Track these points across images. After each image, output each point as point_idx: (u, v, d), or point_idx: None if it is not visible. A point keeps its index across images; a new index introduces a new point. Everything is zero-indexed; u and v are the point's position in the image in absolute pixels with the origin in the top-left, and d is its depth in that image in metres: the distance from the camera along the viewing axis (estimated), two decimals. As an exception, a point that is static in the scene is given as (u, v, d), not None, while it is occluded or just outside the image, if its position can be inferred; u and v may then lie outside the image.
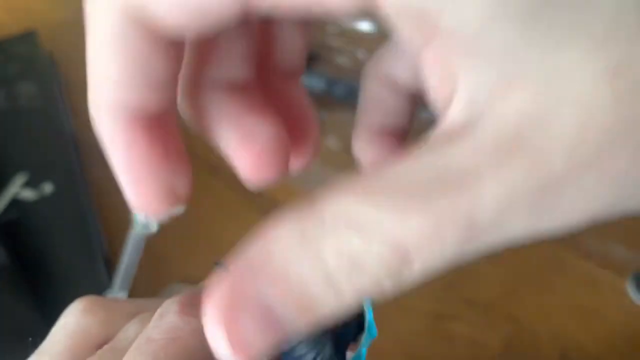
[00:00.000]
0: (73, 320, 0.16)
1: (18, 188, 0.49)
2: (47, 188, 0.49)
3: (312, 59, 0.57)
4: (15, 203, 0.48)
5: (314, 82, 0.53)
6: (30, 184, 0.49)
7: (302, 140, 0.16)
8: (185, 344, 0.14)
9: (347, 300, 0.11)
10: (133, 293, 0.43)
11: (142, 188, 0.15)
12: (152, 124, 0.14)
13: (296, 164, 0.17)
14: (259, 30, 0.15)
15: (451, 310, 0.41)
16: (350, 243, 0.11)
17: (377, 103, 0.17)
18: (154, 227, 0.31)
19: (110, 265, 0.45)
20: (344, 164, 0.43)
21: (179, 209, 0.30)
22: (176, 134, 0.15)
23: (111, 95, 0.13)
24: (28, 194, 0.49)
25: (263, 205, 0.48)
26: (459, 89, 0.11)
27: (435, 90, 0.11)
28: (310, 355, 0.16)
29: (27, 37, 0.62)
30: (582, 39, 0.10)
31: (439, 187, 0.10)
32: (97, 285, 0.43)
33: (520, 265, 0.43)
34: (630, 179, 0.10)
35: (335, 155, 0.49)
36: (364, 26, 0.60)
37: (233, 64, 0.15)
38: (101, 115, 0.14)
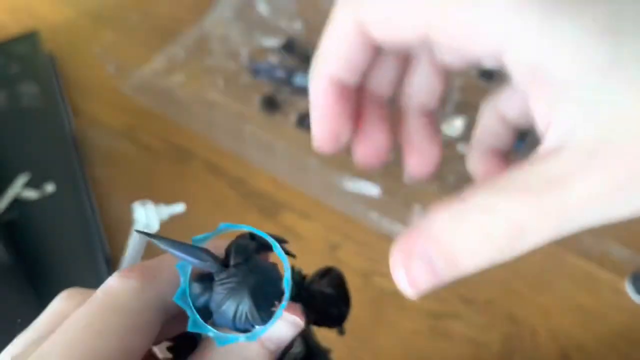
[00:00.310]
0: (55, 304, 0.19)
1: (20, 188, 0.49)
2: (49, 188, 0.49)
3: (312, 59, 0.57)
4: (16, 202, 0.48)
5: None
6: (31, 184, 0.49)
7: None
8: (119, 298, 0.18)
9: (478, 261, 0.16)
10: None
11: (322, 125, 0.21)
12: (343, 92, 0.21)
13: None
14: (405, 65, 0.22)
15: (451, 309, 0.41)
16: (484, 221, 0.16)
17: (490, 130, 0.22)
18: (155, 227, 0.31)
19: (111, 264, 0.45)
20: (343, 164, 0.43)
21: (180, 208, 0.31)
22: (354, 103, 0.21)
23: (328, 67, 0.20)
24: (30, 194, 0.49)
25: (263, 205, 0.48)
26: (555, 122, 0.15)
27: (539, 121, 0.16)
28: (230, 306, 0.18)
29: (29, 38, 0.62)
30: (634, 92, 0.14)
31: (543, 188, 0.15)
32: (98, 284, 0.43)
33: (520, 265, 0.43)
34: None
35: (335, 155, 0.49)
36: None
37: (386, 84, 0.22)
38: (317, 78, 0.21)
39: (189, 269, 0.18)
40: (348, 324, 0.41)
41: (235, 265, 0.18)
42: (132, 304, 0.18)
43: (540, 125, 0.16)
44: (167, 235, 0.46)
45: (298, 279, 0.22)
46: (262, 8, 0.62)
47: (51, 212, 0.48)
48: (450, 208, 0.17)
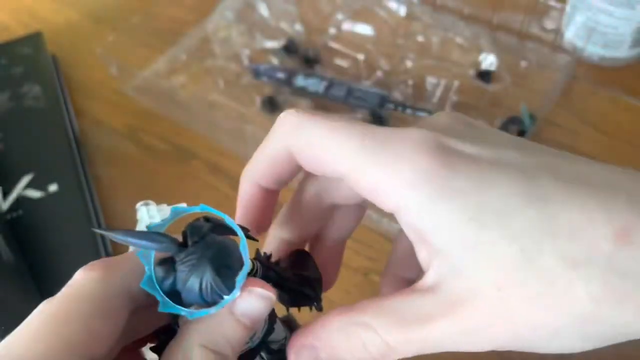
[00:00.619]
0: (75, 276, 0.20)
1: (23, 188, 0.50)
2: (52, 188, 0.49)
3: (313, 61, 0.58)
4: (20, 202, 0.49)
5: (314, 83, 0.54)
6: (35, 184, 0.50)
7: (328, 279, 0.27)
8: (82, 287, 0.19)
9: None
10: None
11: (245, 218, 0.25)
12: (265, 195, 0.25)
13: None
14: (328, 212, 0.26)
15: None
16: (365, 337, 0.20)
17: (401, 262, 0.27)
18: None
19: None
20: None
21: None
22: (274, 204, 0.25)
23: (256, 176, 0.24)
24: (33, 194, 0.49)
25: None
26: (430, 271, 0.20)
27: (421, 263, 0.21)
28: (194, 281, 0.19)
29: (32, 39, 0.62)
30: (494, 257, 0.19)
31: (412, 322, 0.20)
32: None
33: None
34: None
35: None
36: (363, 29, 0.60)
37: (315, 225, 0.26)
38: (245, 182, 0.25)
39: (152, 255, 0.19)
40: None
41: (193, 244, 0.19)
42: (95, 292, 0.19)
43: (422, 266, 0.21)
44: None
45: (265, 260, 0.23)
46: (263, 10, 0.63)
47: (54, 211, 0.48)
48: (342, 318, 0.21)
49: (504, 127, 0.50)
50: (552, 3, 0.55)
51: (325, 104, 0.54)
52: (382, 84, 0.55)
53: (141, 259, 0.19)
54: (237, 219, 0.25)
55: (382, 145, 0.20)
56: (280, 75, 0.55)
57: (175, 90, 0.56)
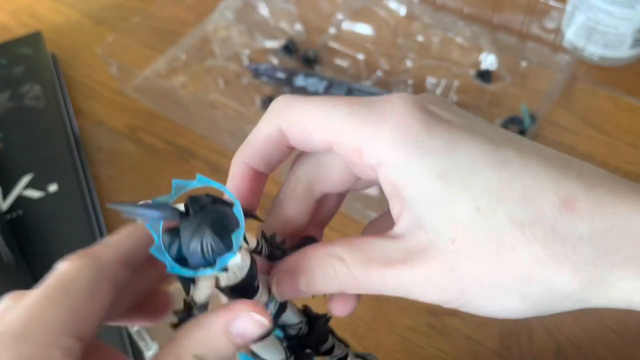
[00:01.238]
0: (59, 267, 0.21)
1: (23, 188, 0.50)
2: (52, 188, 0.49)
3: (313, 61, 0.58)
4: (20, 202, 0.49)
5: (314, 83, 0.54)
6: (35, 184, 0.50)
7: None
8: (65, 274, 0.21)
9: (329, 288, 0.23)
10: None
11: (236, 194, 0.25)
12: (255, 176, 0.25)
13: None
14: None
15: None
16: (339, 267, 0.23)
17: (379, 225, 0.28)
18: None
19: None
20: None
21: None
22: (262, 188, 0.26)
23: (247, 157, 0.25)
24: (33, 194, 0.49)
25: (264, 204, 0.49)
26: (400, 221, 0.22)
27: (393, 214, 0.23)
28: (196, 243, 0.20)
29: (32, 39, 0.62)
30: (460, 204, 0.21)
31: (377, 260, 0.22)
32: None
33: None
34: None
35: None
36: (363, 29, 0.60)
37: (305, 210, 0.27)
38: (236, 163, 0.25)
39: (160, 225, 0.20)
40: (348, 321, 0.41)
41: (194, 213, 0.21)
42: (79, 277, 0.21)
43: (394, 219, 0.23)
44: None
45: (270, 239, 0.24)
46: (263, 10, 0.63)
47: (54, 211, 0.48)
48: (319, 250, 0.23)
49: (504, 126, 0.50)
50: (553, 3, 0.55)
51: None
52: (382, 84, 0.55)
53: (150, 230, 0.20)
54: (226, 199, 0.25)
55: (367, 108, 0.22)
56: (280, 75, 0.55)
57: (175, 90, 0.56)
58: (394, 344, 0.41)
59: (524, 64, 0.56)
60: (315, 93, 0.53)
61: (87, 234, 0.46)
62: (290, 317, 0.25)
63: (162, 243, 0.20)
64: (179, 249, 0.21)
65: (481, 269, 0.20)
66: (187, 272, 0.20)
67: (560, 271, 0.19)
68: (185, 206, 0.21)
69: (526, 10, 0.55)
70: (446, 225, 0.21)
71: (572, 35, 0.55)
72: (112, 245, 0.23)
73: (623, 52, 0.54)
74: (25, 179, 0.50)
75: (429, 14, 0.60)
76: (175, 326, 0.22)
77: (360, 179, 0.25)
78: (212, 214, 0.20)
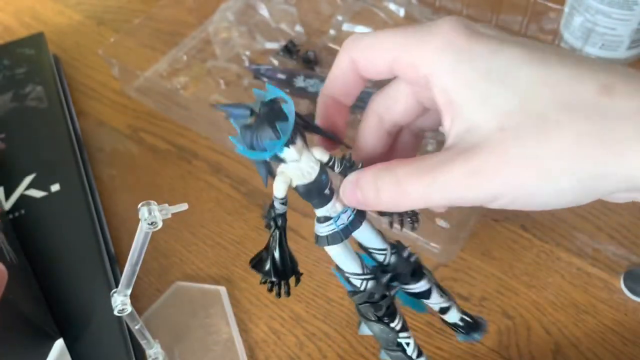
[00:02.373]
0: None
1: (24, 189, 0.50)
2: (54, 188, 0.50)
3: (313, 62, 0.58)
4: (22, 202, 0.49)
5: (315, 84, 0.54)
6: (37, 184, 0.50)
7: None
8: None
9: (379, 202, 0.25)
10: (137, 290, 0.44)
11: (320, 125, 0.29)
12: (338, 107, 0.29)
13: None
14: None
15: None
16: (383, 178, 0.25)
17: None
18: (158, 225, 0.32)
19: (115, 262, 0.46)
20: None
21: (183, 208, 0.31)
22: (346, 117, 0.29)
23: (328, 87, 0.28)
24: (35, 194, 0.50)
25: (264, 204, 0.49)
26: (452, 130, 0.24)
27: (445, 128, 0.24)
28: (258, 133, 0.24)
29: (34, 40, 0.63)
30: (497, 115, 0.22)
31: (428, 167, 0.23)
32: (103, 281, 0.44)
33: (514, 262, 0.44)
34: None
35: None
36: (363, 30, 0.61)
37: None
38: (322, 94, 0.28)
39: (244, 119, 0.24)
40: (347, 320, 0.42)
41: (261, 110, 0.24)
42: None
43: (446, 132, 0.24)
44: (173, 232, 0.47)
45: (343, 159, 0.27)
46: (264, 11, 0.63)
47: (56, 211, 0.48)
48: (378, 165, 0.25)
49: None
50: (551, 4, 0.55)
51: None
52: (382, 85, 0.55)
53: (233, 123, 0.24)
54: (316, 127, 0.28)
55: (419, 28, 0.25)
56: (281, 76, 0.56)
57: (176, 91, 0.57)
58: (394, 342, 0.41)
59: (522, 65, 0.56)
60: (316, 94, 0.54)
61: (88, 233, 0.46)
62: (371, 238, 0.29)
63: (240, 134, 0.24)
64: (251, 139, 0.24)
65: (529, 150, 0.21)
66: (247, 153, 0.24)
67: (604, 147, 0.20)
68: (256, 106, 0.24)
69: (525, 11, 0.56)
70: (494, 117, 0.22)
71: (570, 36, 0.56)
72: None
73: (621, 53, 0.54)
74: (28, 179, 0.50)
75: (428, 15, 0.60)
76: (253, 260, 0.27)
77: (425, 111, 0.28)
78: (273, 113, 0.24)
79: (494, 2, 0.57)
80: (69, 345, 0.40)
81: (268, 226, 0.26)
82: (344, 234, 0.27)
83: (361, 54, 0.26)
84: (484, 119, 0.22)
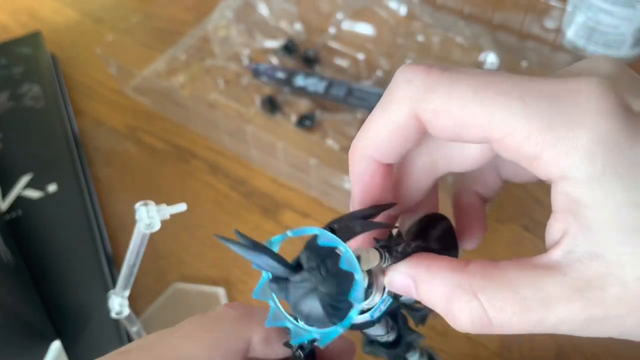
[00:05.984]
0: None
1: (22, 188, 0.49)
2: (51, 188, 0.49)
3: (312, 61, 0.58)
4: (19, 202, 0.49)
5: (314, 83, 0.54)
6: (34, 184, 0.50)
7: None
8: (220, 316, 0.24)
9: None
10: (135, 292, 0.43)
11: (362, 199, 0.22)
12: (384, 170, 0.22)
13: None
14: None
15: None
16: (459, 301, 0.19)
17: (479, 183, 0.26)
18: (156, 226, 0.31)
19: (113, 263, 0.45)
20: (343, 164, 0.43)
21: (181, 208, 0.31)
22: (392, 179, 0.23)
23: (373, 147, 0.21)
24: (32, 194, 0.49)
25: (264, 204, 0.49)
26: (565, 244, 0.18)
27: (549, 234, 0.19)
28: (305, 309, 0.19)
29: (31, 39, 0.62)
30: None
31: (534, 300, 0.18)
32: (101, 282, 0.43)
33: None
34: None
35: (335, 155, 0.50)
36: (363, 29, 0.60)
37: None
38: (360, 154, 0.21)
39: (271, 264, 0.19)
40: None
41: (308, 270, 0.19)
42: (227, 325, 0.23)
43: (550, 236, 0.19)
44: (171, 232, 0.47)
45: (391, 244, 0.21)
46: (263, 10, 0.63)
47: (54, 211, 0.48)
48: (447, 275, 0.19)
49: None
50: (553, 2, 0.54)
51: (325, 103, 0.54)
52: (382, 84, 0.55)
53: (262, 273, 0.20)
54: (353, 201, 0.23)
55: (549, 103, 0.17)
56: (280, 75, 0.55)
57: (174, 90, 0.56)
58: (394, 344, 0.40)
59: (524, 63, 0.56)
60: (315, 93, 0.53)
61: (86, 234, 0.46)
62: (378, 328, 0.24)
63: (270, 288, 0.20)
64: (285, 297, 0.19)
65: None
66: (290, 326, 0.20)
67: None
68: (301, 254, 0.19)
69: (526, 9, 0.55)
70: (635, 259, 0.17)
71: (572, 35, 0.55)
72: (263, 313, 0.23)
73: (623, 52, 0.54)
74: (25, 179, 0.50)
75: (429, 13, 0.60)
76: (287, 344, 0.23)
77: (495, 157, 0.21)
78: (325, 285, 0.18)
79: (495, 0, 0.57)
80: (66, 347, 0.40)
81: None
82: (377, 320, 0.22)
83: (439, 115, 0.19)
84: (620, 255, 0.17)
